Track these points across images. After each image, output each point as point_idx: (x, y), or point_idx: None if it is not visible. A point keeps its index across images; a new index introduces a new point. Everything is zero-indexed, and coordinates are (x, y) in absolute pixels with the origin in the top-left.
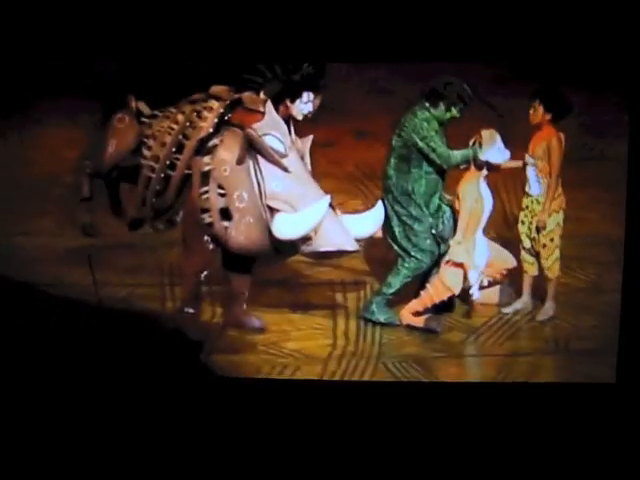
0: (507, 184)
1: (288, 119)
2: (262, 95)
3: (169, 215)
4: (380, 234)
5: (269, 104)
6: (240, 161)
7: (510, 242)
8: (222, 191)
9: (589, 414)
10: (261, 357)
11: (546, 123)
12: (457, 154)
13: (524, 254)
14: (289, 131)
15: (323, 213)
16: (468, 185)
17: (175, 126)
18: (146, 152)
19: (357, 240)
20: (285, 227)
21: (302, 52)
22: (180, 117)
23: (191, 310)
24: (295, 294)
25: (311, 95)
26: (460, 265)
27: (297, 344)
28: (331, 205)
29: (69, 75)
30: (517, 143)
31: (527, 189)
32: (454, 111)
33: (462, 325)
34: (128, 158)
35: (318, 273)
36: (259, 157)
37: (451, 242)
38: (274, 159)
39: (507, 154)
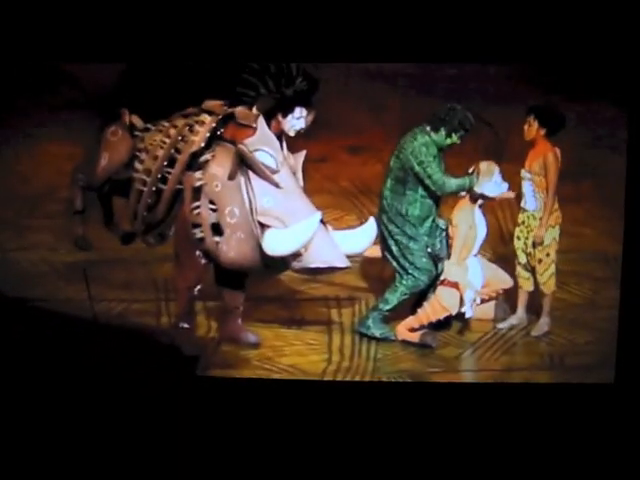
0: (502, 201)
1: (280, 135)
2: (254, 110)
3: (160, 229)
4: (379, 254)
5: (261, 119)
6: (232, 177)
7: (505, 258)
8: (213, 206)
9: (587, 418)
10: (256, 372)
11: (541, 138)
12: (452, 183)
13: (519, 269)
14: (281, 147)
15: (314, 230)
16: (462, 212)
17: (167, 140)
18: (138, 165)
19: (349, 256)
20: (276, 243)
21: (301, 53)
22: (172, 131)
23: (186, 325)
24: (290, 310)
25: (304, 111)
26: (455, 285)
27: (292, 359)
28: (322, 221)
29: (64, 88)
30: (513, 159)
31: (523, 204)
32: (454, 137)
33: (457, 340)
34: (121, 171)
35: (313, 289)
36: (250, 173)
37: (446, 262)
38: (265, 175)
39: (504, 187)
